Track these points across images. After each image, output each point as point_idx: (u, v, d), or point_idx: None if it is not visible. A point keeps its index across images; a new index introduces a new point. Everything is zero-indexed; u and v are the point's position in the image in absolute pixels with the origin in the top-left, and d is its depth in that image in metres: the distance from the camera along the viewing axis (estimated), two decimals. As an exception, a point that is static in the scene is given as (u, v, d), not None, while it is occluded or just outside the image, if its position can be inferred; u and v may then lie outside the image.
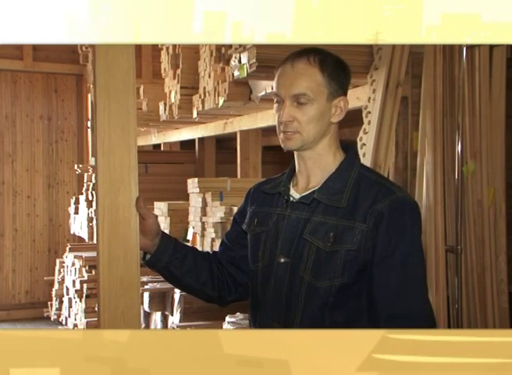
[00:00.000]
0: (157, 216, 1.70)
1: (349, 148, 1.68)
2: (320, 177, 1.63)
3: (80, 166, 6.19)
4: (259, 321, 1.68)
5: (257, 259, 1.68)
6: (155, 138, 6.33)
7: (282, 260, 1.61)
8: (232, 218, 1.89)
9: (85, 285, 5.36)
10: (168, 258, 1.71)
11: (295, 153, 1.66)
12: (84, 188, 5.60)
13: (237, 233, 1.79)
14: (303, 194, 1.63)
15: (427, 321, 1.54)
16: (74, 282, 5.70)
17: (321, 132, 1.60)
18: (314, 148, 1.61)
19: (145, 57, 7.09)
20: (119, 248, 1.57)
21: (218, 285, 1.78)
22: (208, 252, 1.86)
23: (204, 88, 4.13)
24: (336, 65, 1.61)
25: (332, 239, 1.55)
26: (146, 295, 4.23)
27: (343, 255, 1.54)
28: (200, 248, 3.56)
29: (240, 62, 3.11)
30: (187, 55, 4.52)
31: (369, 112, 3.00)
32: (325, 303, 1.55)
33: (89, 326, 5.08)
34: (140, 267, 1.62)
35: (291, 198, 1.65)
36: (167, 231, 3.97)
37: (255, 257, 1.70)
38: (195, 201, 3.78)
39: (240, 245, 1.77)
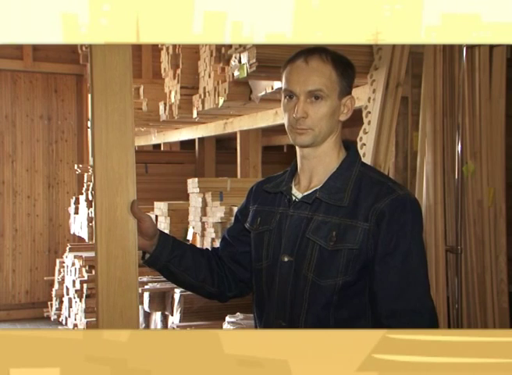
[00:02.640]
0: (151, 218, 1.69)
1: (350, 146, 1.69)
2: (322, 176, 1.64)
3: (80, 166, 6.20)
4: (265, 320, 1.69)
5: (261, 258, 1.69)
6: (155, 138, 6.33)
7: (286, 259, 1.62)
8: (234, 216, 1.90)
9: (85, 285, 5.35)
10: (167, 256, 1.72)
11: (298, 152, 1.67)
12: (84, 188, 5.61)
13: (239, 230, 1.80)
14: (305, 194, 1.64)
15: (428, 317, 1.55)
16: (74, 282, 5.70)
17: (331, 129, 1.61)
18: (321, 146, 1.62)
19: (145, 57, 7.09)
20: (116, 247, 1.57)
21: (217, 281, 1.78)
22: (206, 249, 1.87)
23: (204, 88, 4.13)
24: (346, 64, 1.63)
25: (335, 238, 1.56)
26: (146, 295, 4.22)
27: (345, 254, 1.55)
28: (200, 248, 3.56)
29: (240, 62, 3.11)
30: (187, 55, 4.52)
31: (369, 112, 3.00)
32: (328, 301, 1.57)
33: (89, 326, 5.08)
34: (140, 267, 1.61)
35: (293, 198, 1.66)
36: (167, 231, 3.98)
37: (259, 256, 1.71)
38: (195, 201, 3.78)
39: (241, 242, 1.78)
